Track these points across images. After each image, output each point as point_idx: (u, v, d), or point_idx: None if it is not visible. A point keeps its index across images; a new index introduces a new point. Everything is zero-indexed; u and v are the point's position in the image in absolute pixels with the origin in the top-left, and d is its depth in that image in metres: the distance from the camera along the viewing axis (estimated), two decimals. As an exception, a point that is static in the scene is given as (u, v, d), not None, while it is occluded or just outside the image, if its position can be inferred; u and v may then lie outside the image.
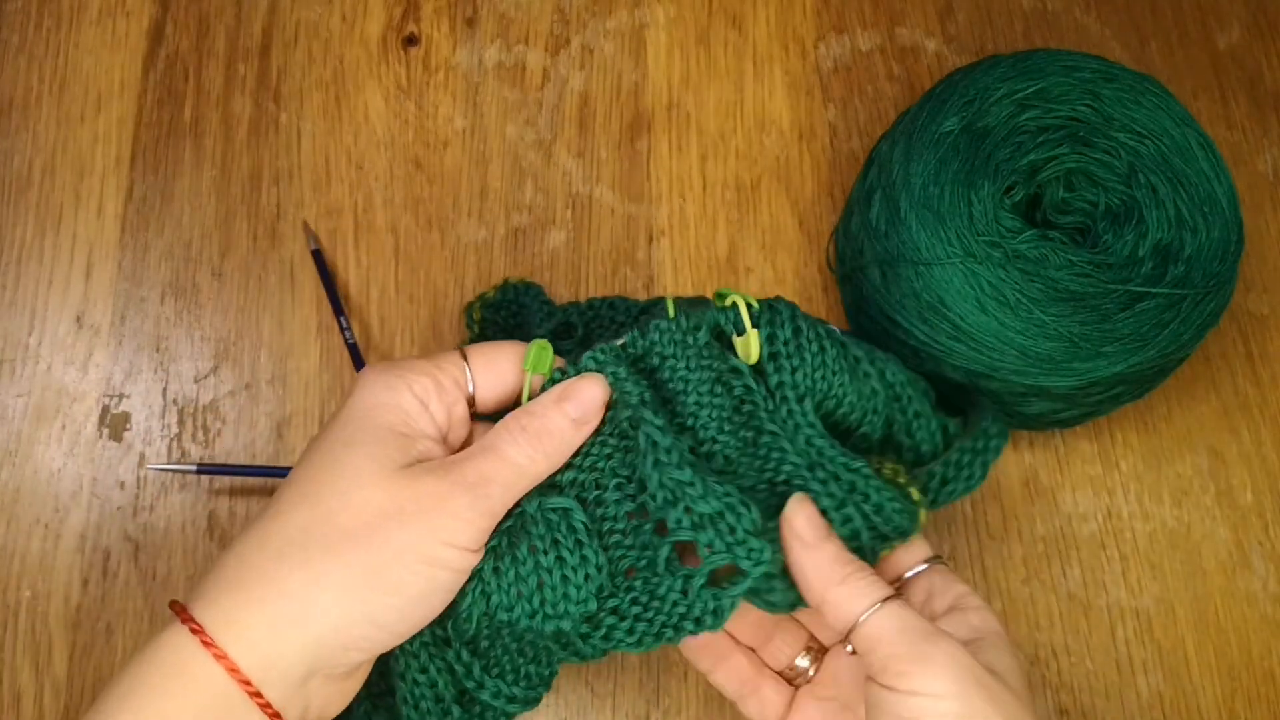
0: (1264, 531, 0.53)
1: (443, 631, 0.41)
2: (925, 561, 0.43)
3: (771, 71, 0.59)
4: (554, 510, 0.41)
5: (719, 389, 0.43)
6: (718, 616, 0.39)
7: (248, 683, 0.35)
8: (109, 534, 0.51)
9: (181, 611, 0.37)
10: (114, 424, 0.53)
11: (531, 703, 0.42)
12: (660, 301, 0.53)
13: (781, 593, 0.40)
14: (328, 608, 0.36)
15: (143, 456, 0.52)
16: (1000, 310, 0.46)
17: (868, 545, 0.41)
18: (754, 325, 0.43)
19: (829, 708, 0.43)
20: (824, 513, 0.40)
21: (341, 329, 0.52)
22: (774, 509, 0.41)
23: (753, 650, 0.45)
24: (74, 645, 0.49)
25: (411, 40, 0.59)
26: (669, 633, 0.40)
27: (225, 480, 0.52)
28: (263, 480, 0.52)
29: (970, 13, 0.61)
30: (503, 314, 0.51)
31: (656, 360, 0.43)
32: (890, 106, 0.59)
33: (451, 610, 0.40)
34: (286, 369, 0.54)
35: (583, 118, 0.58)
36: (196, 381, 0.54)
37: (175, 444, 0.53)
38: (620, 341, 0.44)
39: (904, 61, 0.60)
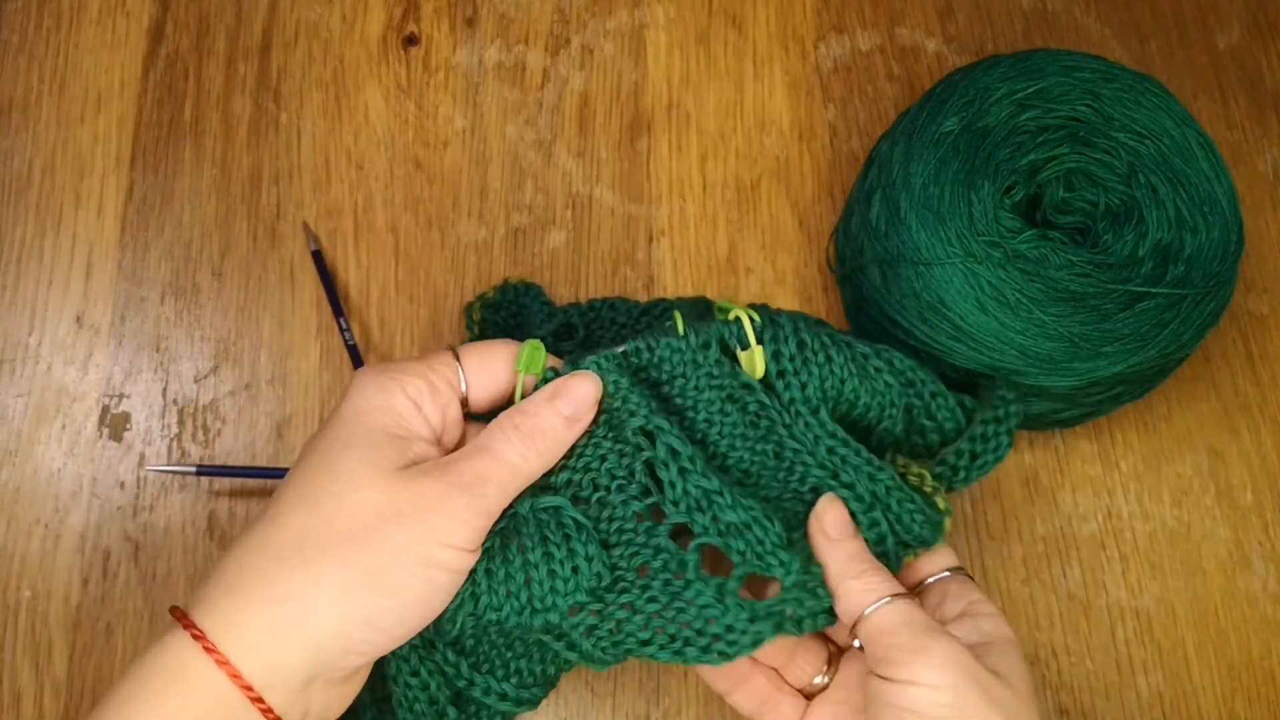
0: (1264, 531, 0.53)
1: (429, 633, 0.41)
2: (947, 570, 0.43)
3: (771, 71, 0.59)
4: (545, 510, 0.41)
5: (730, 407, 0.43)
6: (751, 638, 0.39)
7: (250, 688, 0.35)
8: (109, 534, 0.51)
9: (183, 617, 0.37)
10: (114, 424, 0.53)
11: (527, 703, 0.42)
12: (661, 303, 0.53)
13: (809, 605, 0.40)
14: (328, 611, 0.36)
15: (143, 456, 0.52)
16: (1000, 310, 0.46)
17: (892, 551, 0.42)
18: (758, 340, 0.43)
19: (842, 710, 0.43)
20: (852, 515, 0.41)
21: (341, 330, 0.52)
22: (801, 519, 0.42)
23: (773, 670, 0.45)
24: (74, 645, 0.49)
25: (411, 40, 0.59)
26: (692, 651, 0.39)
27: (225, 481, 0.52)
28: (262, 481, 0.52)
29: (970, 13, 0.61)
30: (503, 314, 0.51)
31: (665, 376, 0.44)
32: (890, 106, 0.59)
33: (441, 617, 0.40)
34: (286, 369, 0.54)
35: (583, 118, 0.58)
36: (196, 381, 0.54)
37: (175, 444, 0.53)
38: (621, 349, 0.44)
39: (904, 61, 0.60)
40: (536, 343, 0.43)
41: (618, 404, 0.42)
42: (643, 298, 0.55)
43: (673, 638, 0.39)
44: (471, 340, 0.50)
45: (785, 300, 0.56)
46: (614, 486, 0.41)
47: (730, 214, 0.57)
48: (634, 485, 0.41)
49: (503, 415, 0.41)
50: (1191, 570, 0.52)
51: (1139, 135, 0.49)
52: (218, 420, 0.53)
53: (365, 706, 0.43)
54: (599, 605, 0.40)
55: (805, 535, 0.41)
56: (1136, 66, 0.54)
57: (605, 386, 0.42)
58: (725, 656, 0.39)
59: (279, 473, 0.51)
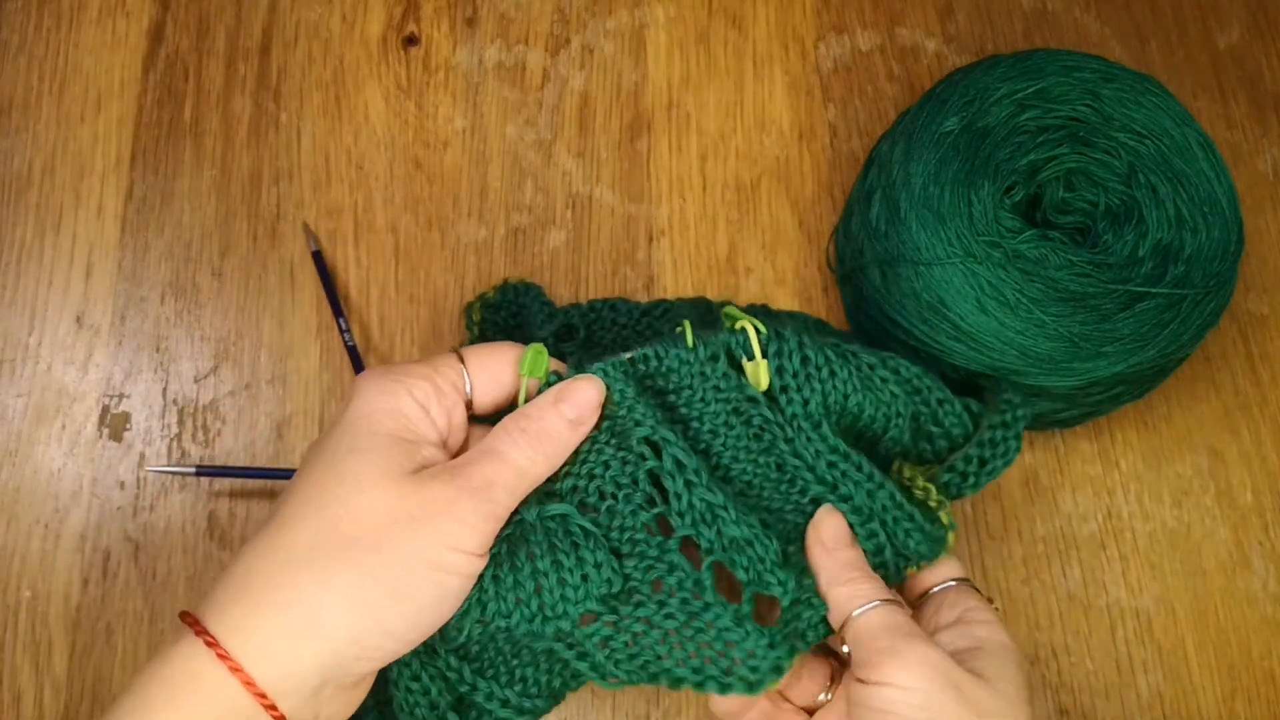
0: (1264, 531, 0.53)
1: (432, 639, 0.41)
2: (953, 580, 0.43)
3: (771, 71, 0.59)
4: (552, 518, 0.41)
5: (734, 419, 0.43)
6: (771, 664, 0.39)
7: (263, 695, 0.35)
8: (109, 534, 0.51)
9: (195, 624, 0.36)
10: (114, 424, 0.53)
11: (528, 713, 0.42)
12: (661, 304, 0.53)
13: (807, 616, 0.40)
14: (340, 617, 0.36)
15: (143, 456, 0.52)
16: (1000, 310, 0.46)
17: (891, 562, 0.42)
18: (763, 353, 0.44)
19: None
20: (851, 527, 0.42)
21: (341, 331, 0.52)
22: (802, 531, 0.42)
23: (778, 692, 0.44)
24: (74, 645, 0.49)
25: (411, 40, 0.59)
26: (713, 674, 0.39)
27: (225, 481, 0.52)
28: (262, 481, 0.52)
29: (970, 13, 0.61)
30: (502, 314, 0.51)
31: (671, 386, 0.44)
32: (890, 106, 0.59)
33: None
34: (286, 369, 0.54)
35: (583, 118, 0.58)
36: (196, 381, 0.54)
37: (175, 444, 0.53)
38: (629, 356, 0.44)
39: (904, 61, 0.60)
40: (539, 346, 0.43)
41: (623, 412, 0.42)
42: (643, 298, 0.55)
43: (692, 661, 0.39)
44: (471, 340, 0.50)
45: (785, 300, 0.56)
46: (621, 495, 0.41)
47: (730, 214, 0.57)
48: (639, 494, 0.41)
49: (507, 419, 0.41)
50: (1191, 570, 0.52)
51: (1139, 135, 0.49)
52: (218, 420, 0.53)
53: (368, 710, 0.42)
54: (613, 616, 0.40)
55: (804, 548, 0.42)
56: (1136, 66, 0.54)
57: (610, 393, 0.42)
58: (748, 686, 0.38)
59: (279, 473, 0.51)
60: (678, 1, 0.60)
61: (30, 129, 0.57)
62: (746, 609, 0.40)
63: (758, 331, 0.44)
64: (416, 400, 0.40)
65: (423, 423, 0.40)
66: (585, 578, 0.40)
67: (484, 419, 0.43)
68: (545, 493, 0.42)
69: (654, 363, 0.44)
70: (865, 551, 0.42)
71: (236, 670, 0.35)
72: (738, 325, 0.44)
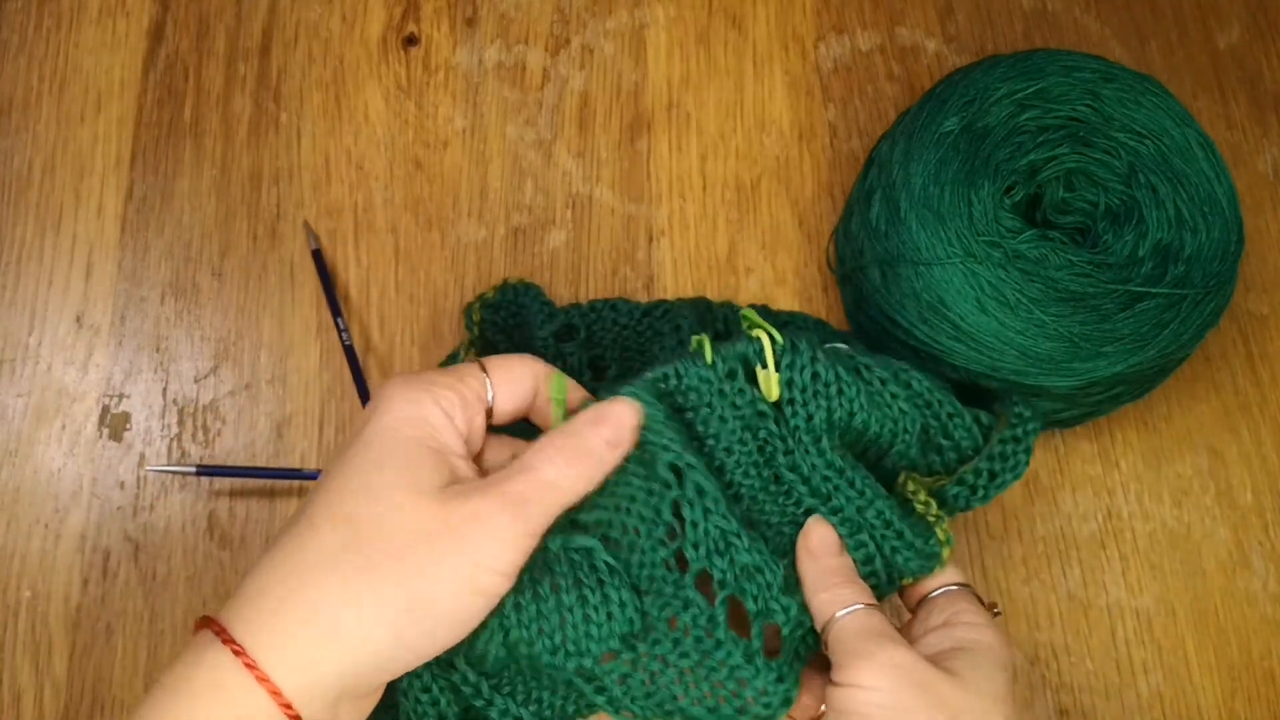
0: (1264, 531, 0.53)
1: (447, 655, 0.40)
2: (954, 585, 0.43)
3: (771, 71, 0.59)
4: (577, 550, 0.40)
5: (746, 435, 0.43)
6: (781, 698, 0.39)
7: (289, 705, 0.35)
8: (109, 534, 0.51)
9: (221, 632, 0.36)
10: (114, 424, 0.53)
11: None
12: (662, 304, 0.53)
13: (801, 634, 0.41)
14: (367, 630, 0.36)
15: (143, 456, 0.52)
16: (1000, 310, 0.46)
17: (882, 571, 0.42)
18: (776, 365, 0.43)
19: None
20: (842, 538, 0.42)
21: (339, 331, 0.52)
22: (795, 544, 0.43)
23: None
24: (74, 645, 0.49)
25: (411, 40, 0.59)
26: (728, 715, 0.39)
27: (225, 481, 0.52)
28: (263, 481, 0.52)
29: (970, 13, 0.61)
30: (502, 314, 0.51)
31: (690, 404, 0.43)
32: (890, 106, 0.59)
33: (466, 641, 0.39)
34: (286, 369, 0.54)
35: (583, 118, 0.58)
36: (196, 381, 0.54)
37: (175, 444, 0.53)
38: (650, 376, 0.43)
39: (904, 61, 0.60)
40: (561, 373, 0.44)
41: (652, 436, 0.42)
42: (643, 298, 0.55)
43: (707, 701, 0.40)
44: (471, 340, 0.50)
45: (785, 300, 0.56)
46: (645, 530, 0.41)
47: (730, 214, 0.57)
48: (660, 528, 0.41)
49: (545, 438, 0.41)
50: (1191, 570, 0.52)
51: (1139, 135, 0.49)
52: (218, 420, 0.53)
53: (373, 713, 0.42)
54: (632, 654, 0.40)
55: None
56: (1136, 66, 0.54)
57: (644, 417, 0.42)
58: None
59: (279, 473, 0.51)
60: (678, 1, 0.60)
61: (30, 129, 0.57)
62: (756, 644, 0.40)
63: (773, 341, 0.44)
64: (443, 409, 0.40)
65: (448, 432, 0.40)
66: (610, 616, 0.40)
67: (499, 429, 0.43)
68: (570, 522, 0.41)
69: (675, 381, 0.43)
70: (855, 561, 0.42)
71: (264, 680, 0.35)
72: (754, 333, 0.44)
